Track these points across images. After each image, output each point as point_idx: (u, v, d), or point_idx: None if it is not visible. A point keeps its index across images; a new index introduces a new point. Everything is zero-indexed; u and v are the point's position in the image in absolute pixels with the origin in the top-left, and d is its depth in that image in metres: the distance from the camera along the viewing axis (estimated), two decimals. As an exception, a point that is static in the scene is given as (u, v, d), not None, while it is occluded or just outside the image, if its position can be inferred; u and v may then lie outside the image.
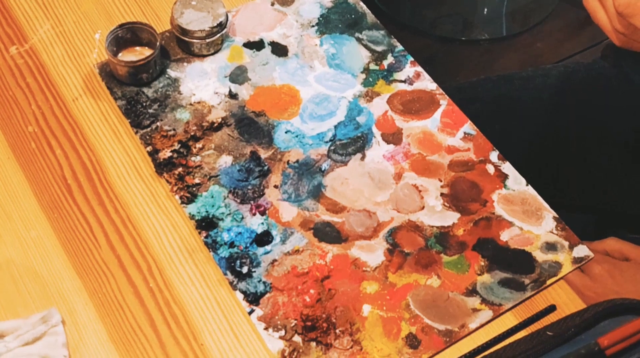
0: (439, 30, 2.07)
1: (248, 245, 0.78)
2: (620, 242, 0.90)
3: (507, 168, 0.85)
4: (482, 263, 0.78)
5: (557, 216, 0.82)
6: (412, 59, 0.93)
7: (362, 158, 0.85)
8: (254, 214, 0.80)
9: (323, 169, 0.84)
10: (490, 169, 0.85)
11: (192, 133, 0.84)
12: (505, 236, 0.80)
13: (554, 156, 1.10)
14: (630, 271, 0.86)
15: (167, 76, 0.89)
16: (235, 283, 0.76)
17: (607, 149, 1.08)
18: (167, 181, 0.82)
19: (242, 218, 0.80)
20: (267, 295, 0.76)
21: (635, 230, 1.17)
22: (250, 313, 0.75)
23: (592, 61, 1.21)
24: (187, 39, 0.89)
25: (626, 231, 1.17)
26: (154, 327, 0.74)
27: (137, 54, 0.89)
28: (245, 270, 0.77)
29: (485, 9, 2.13)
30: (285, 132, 0.86)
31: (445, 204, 0.82)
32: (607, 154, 1.08)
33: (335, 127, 0.87)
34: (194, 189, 0.81)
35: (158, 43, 0.87)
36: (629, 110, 1.10)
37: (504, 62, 2.00)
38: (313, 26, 0.94)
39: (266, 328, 0.74)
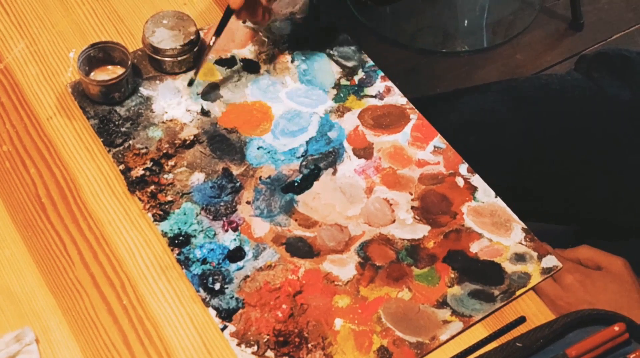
0: (420, 43, 2.08)
1: (220, 261, 0.79)
2: (592, 250, 0.91)
3: (476, 180, 0.86)
4: (452, 275, 0.79)
5: (525, 227, 0.83)
6: (382, 74, 0.94)
7: (334, 173, 0.86)
8: (227, 231, 0.81)
9: (295, 184, 0.85)
10: (460, 181, 0.86)
11: (165, 151, 0.85)
12: (474, 248, 0.81)
13: (530, 165, 1.11)
14: (601, 281, 0.87)
15: (139, 94, 0.90)
16: (208, 299, 0.77)
17: (584, 157, 1.09)
18: (140, 199, 0.82)
19: (215, 234, 0.81)
20: (240, 311, 0.76)
21: (615, 237, 1.18)
22: (222, 329, 0.75)
23: (565, 72, 1.22)
24: (158, 57, 0.90)
25: (606, 240, 1.19)
26: (127, 344, 0.75)
27: (109, 73, 0.90)
28: (217, 286, 0.77)
29: (466, 21, 2.15)
30: (257, 149, 0.87)
31: (416, 217, 0.83)
32: (584, 161, 1.09)
33: (307, 142, 0.88)
34: (167, 206, 0.82)
35: (130, 62, 0.87)
36: (603, 119, 1.11)
37: (485, 74, 2.02)
38: (284, 43, 0.95)
39: (239, 344, 0.74)
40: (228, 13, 0.86)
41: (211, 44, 0.88)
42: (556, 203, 1.14)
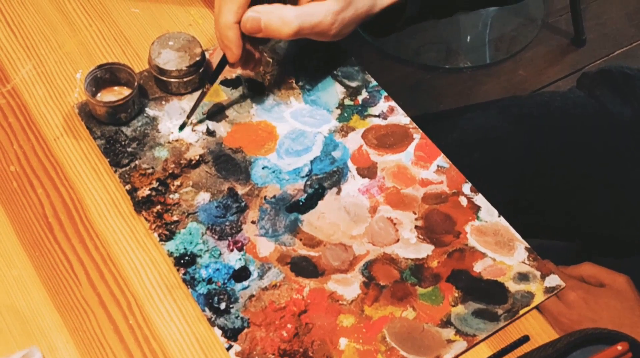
0: (423, 59, 2.10)
1: (226, 281, 0.80)
2: (595, 267, 0.91)
3: (479, 199, 0.86)
4: (456, 295, 0.80)
5: (529, 246, 0.83)
6: (385, 94, 0.94)
7: (338, 192, 0.86)
8: (232, 251, 0.82)
9: (300, 204, 0.85)
10: (463, 201, 0.86)
11: (171, 171, 0.86)
12: (478, 267, 0.81)
13: (532, 180, 1.12)
14: (604, 298, 0.88)
15: (145, 114, 0.91)
16: (213, 319, 0.77)
17: (585, 172, 1.10)
18: (146, 219, 0.83)
19: (220, 254, 0.81)
20: (245, 331, 0.77)
21: (617, 252, 1.18)
22: (228, 349, 0.76)
23: (567, 89, 1.24)
24: (164, 78, 0.90)
25: (608, 256, 1.19)
26: (133, 364, 0.75)
27: (116, 93, 0.91)
28: (223, 306, 0.78)
29: (468, 37, 2.17)
30: (262, 168, 0.88)
31: (420, 236, 0.83)
32: (585, 176, 1.10)
33: (312, 162, 0.88)
34: (172, 226, 0.83)
35: (136, 83, 0.88)
36: (605, 135, 1.12)
37: (487, 90, 2.03)
38: (289, 63, 0.96)
39: (244, 363, 0.75)
40: (223, 63, 0.87)
41: (205, 90, 0.89)
42: (558, 217, 1.15)
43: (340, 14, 0.82)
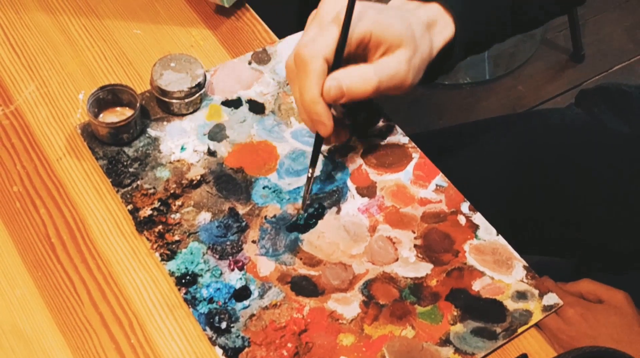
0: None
1: (227, 300, 0.80)
2: (594, 284, 0.92)
3: (477, 218, 0.87)
4: (455, 313, 0.80)
5: (527, 265, 0.84)
6: (385, 113, 0.95)
7: (338, 212, 0.87)
8: (233, 270, 0.82)
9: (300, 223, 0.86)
10: (462, 220, 0.87)
11: (172, 191, 0.87)
12: (477, 286, 0.82)
13: (530, 195, 1.12)
14: (603, 315, 0.88)
15: (147, 135, 0.92)
16: (214, 338, 0.78)
17: (583, 184, 1.10)
18: (148, 238, 0.84)
19: (221, 273, 0.82)
20: (246, 350, 0.77)
21: (615, 267, 1.19)
22: (229, 367, 0.77)
23: (566, 106, 1.25)
24: (166, 99, 0.92)
25: (606, 270, 1.20)
26: (135, 383, 0.76)
27: (118, 114, 0.92)
28: (224, 325, 0.79)
29: (468, 53, 2.17)
30: (263, 188, 0.88)
31: (419, 255, 0.84)
32: (583, 188, 1.10)
33: (312, 181, 0.89)
34: (174, 246, 0.84)
35: (138, 104, 0.89)
36: (603, 148, 1.13)
37: (486, 105, 2.04)
38: (289, 84, 0.97)
39: (245, 382, 0.75)
40: (319, 142, 0.86)
41: (309, 175, 0.86)
42: (556, 233, 1.15)
43: (412, 61, 0.81)
